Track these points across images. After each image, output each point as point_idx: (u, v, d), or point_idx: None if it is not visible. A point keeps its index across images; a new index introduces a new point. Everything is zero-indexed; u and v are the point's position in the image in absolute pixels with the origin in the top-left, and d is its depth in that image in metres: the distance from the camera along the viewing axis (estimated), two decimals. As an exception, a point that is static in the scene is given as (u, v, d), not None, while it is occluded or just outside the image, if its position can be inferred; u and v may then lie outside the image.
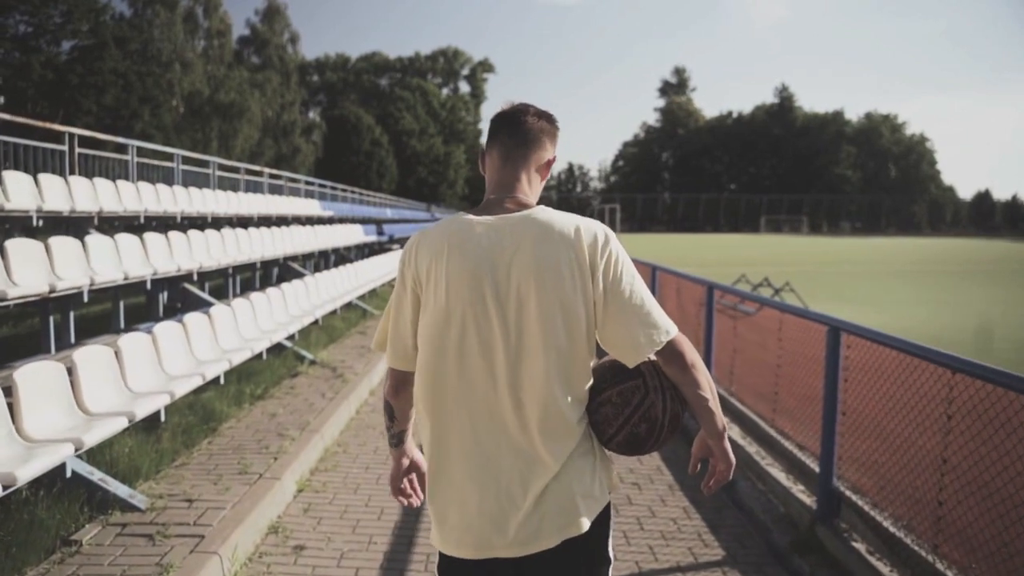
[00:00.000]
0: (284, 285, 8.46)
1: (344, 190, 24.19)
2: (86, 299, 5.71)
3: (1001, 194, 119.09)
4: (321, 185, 21.61)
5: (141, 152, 11.20)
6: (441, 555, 1.85)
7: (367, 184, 55.14)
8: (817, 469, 4.88)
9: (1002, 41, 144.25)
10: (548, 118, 1.92)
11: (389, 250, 20.21)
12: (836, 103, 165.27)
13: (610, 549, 1.87)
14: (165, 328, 5.36)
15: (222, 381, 5.89)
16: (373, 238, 20.05)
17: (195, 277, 7.83)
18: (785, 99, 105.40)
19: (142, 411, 4.32)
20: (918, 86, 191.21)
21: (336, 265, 13.95)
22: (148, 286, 6.76)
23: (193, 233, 8.40)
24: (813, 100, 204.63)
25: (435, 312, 1.77)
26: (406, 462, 2.06)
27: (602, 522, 1.81)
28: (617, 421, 1.79)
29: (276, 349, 8.06)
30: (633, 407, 1.78)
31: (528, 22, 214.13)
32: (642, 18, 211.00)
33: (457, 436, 1.77)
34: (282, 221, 14.05)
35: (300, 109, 58.49)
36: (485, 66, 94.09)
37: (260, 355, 6.92)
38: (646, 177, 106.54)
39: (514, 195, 1.85)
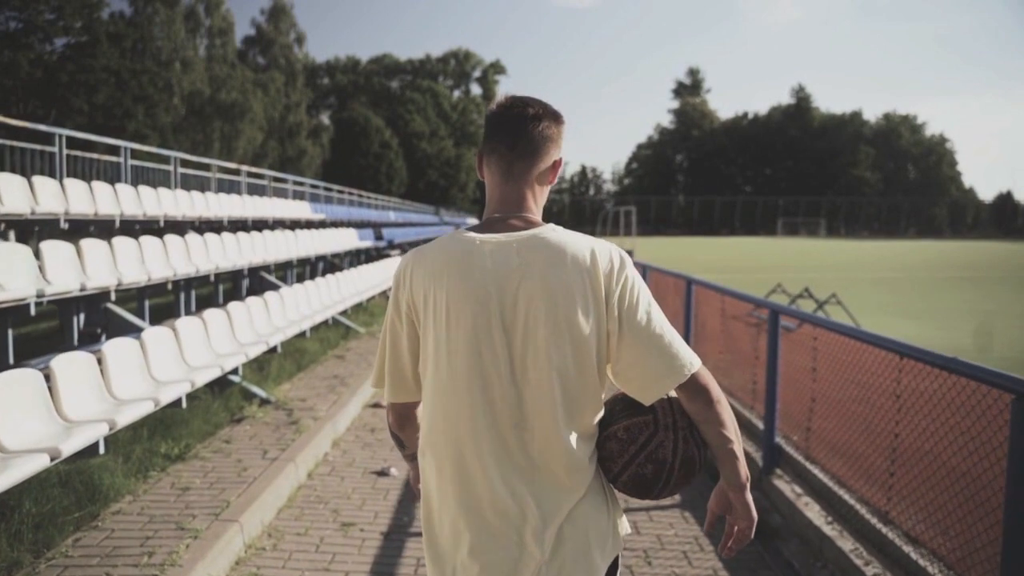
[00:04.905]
0: (232, 304, 6.79)
1: (341, 191, 22.55)
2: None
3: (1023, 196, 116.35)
4: (313, 186, 20.01)
5: (120, 151, 9.64)
6: None
7: (376, 187, 53.87)
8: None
9: (1014, 42, 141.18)
10: (553, 118, 1.66)
11: (387, 256, 18.60)
12: (854, 104, 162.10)
13: None
14: (13, 379, 3.72)
15: (102, 450, 4.24)
16: (370, 243, 18.43)
17: (112, 296, 6.20)
18: (802, 100, 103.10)
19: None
20: (937, 87, 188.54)
21: (325, 274, 12.35)
22: (32, 311, 5.11)
23: (120, 240, 6.78)
24: (830, 101, 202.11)
25: (435, 341, 1.59)
26: None
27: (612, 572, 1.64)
28: (622, 459, 1.60)
29: (219, 384, 6.43)
30: (639, 445, 1.58)
31: (540, 23, 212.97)
32: (656, 19, 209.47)
33: (459, 477, 1.58)
34: (263, 225, 12.47)
35: (309, 111, 57.21)
36: (497, 68, 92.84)
37: (179, 402, 5.26)
38: (660, 179, 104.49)
39: (520, 213, 1.64)
